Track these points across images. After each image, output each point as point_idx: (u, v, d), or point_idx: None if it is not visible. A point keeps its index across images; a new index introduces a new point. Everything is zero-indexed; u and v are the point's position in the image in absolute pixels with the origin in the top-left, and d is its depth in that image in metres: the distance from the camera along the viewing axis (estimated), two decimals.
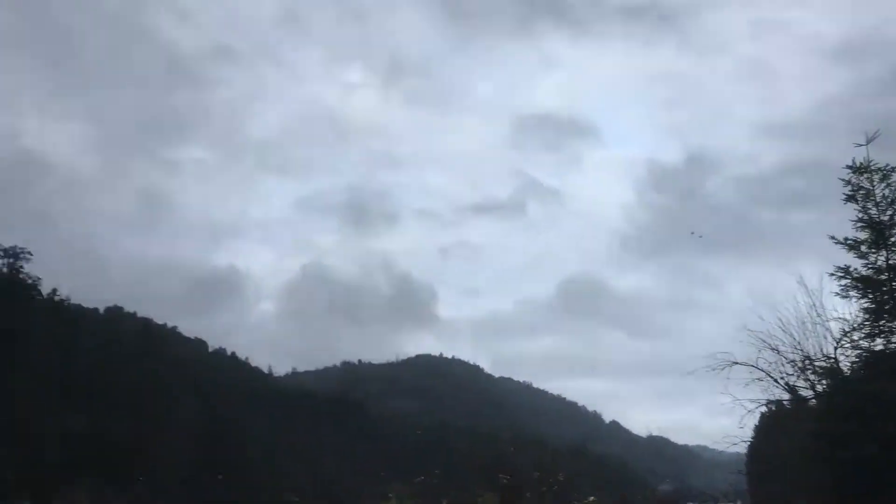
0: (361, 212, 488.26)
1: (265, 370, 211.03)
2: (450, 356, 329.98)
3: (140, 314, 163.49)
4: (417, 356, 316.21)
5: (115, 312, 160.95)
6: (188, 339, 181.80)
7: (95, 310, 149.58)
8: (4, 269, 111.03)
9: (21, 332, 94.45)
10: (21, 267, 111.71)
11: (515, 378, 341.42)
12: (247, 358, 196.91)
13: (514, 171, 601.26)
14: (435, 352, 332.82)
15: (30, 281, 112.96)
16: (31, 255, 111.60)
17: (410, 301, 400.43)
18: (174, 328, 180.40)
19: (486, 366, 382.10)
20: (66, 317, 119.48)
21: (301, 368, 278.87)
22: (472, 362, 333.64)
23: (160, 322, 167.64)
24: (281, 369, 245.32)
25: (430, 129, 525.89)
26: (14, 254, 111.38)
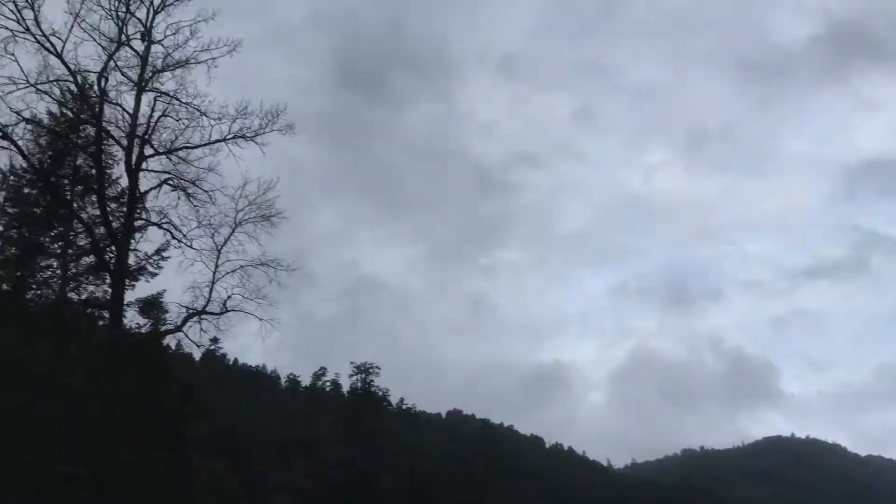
0: (681, 290, 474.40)
1: (604, 463, 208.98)
2: (803, 436, 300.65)
3: (478, 415, 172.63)
4: (765, 438, 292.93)
5: (455, 415, 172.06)
6: (525, 436, 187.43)
7: (438, 414, 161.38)
8: (359, 384, 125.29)
9: (377, 437, 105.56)
10: (372, 381, 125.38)
11: (887, 456, 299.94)
12: (584, 452, 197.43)
13: (848, 226, 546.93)
14: (785, 432, 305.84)
15: (380, 393, 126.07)
16: (380, 368, 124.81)
17: (747, 379, 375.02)
18: (511, 427, 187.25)
19: (849, 444, 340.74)
20: (413, 422, 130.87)
21: (640, 459, 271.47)
22: (830, 441, 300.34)
23: (497, 422, 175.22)
24: (619, 461, 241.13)
25: (742, 196, 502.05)
26: (365, 369, 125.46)
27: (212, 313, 33.00)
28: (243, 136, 32.87)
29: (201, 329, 33.29)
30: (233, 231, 32.98)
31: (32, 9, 29.91)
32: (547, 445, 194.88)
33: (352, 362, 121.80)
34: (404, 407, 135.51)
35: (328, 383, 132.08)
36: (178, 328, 33.66)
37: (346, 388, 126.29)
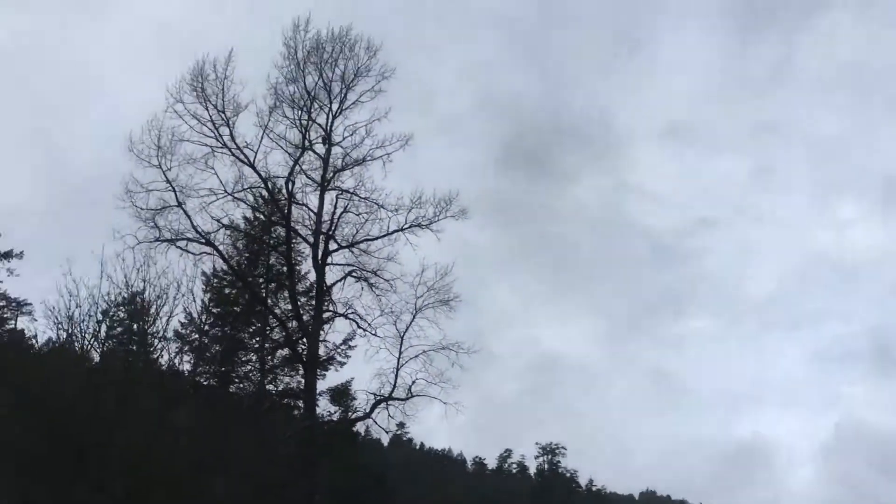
0: (889, 352, 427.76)
1: None
2: None
3: (674, 496, 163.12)
4: None
5: (649, 496, 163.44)
6: None
7: (630, 496, 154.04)
8: (546, 466, 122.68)
9: None
10: (559, 462, 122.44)
11: None
12: None
13: None
14: None
15: (568, 474, 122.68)
16: (566, 449, 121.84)
17: None
18: None
19: None
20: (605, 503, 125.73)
21: None
22: None
23: (694, 502, 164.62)
24: None
25: None
26: (551, 450, 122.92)
27: (398, 399, 33.57)
28: (419, 225, 33.99)
29: (389, 415, 33.91)
30: (414, 317, 33.72)
31: (228, 125, 33.00)
32: None
33: (537, 443, 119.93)
34: (594, 488, 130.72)
35: (514, 465, 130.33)
36: (367, 415, 34.48)
37: (532, 469, 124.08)
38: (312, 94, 34.47)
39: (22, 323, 46.69)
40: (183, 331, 39.52)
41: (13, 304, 47.24)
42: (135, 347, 31.12)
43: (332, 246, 34.56)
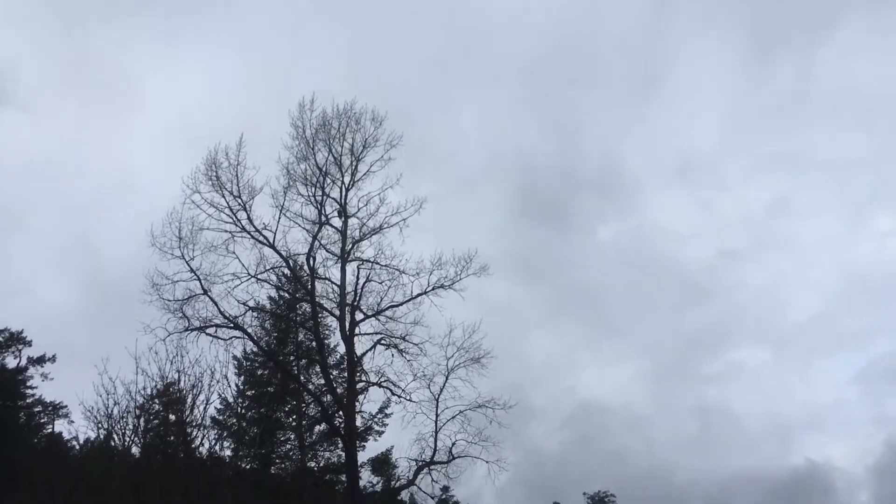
0: None
1: None
2: None
3: None
4: None
5: None
6: None
7: None
8: None
9: None
10: None
11: None
12: None
13: None
14: None
15: None
16: (615, 496, 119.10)
17: None
18: None
19: None
20: None
21: None
22: None
23: None
24: None
25: None
26: (600, 499, 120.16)
27: (440, 462, 33.35)
28: (442, 286, 34.24)
29: (432, 479, 33.62)
30: (447, 378, 33.73)
31: (245, 210, 33.70)
32: None
33: (585, 493, 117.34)
34: None
35: None
36: (411, 482, 34.21)
37: None
38: (324, 169, 35.28)
39: (59, 426, 47.13)
40: (220, 417, 39.68)
41: (49, 408, 47.75)
42: (173, 438, 31.21)
43: (359, 316, 34.85)
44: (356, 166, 35.52)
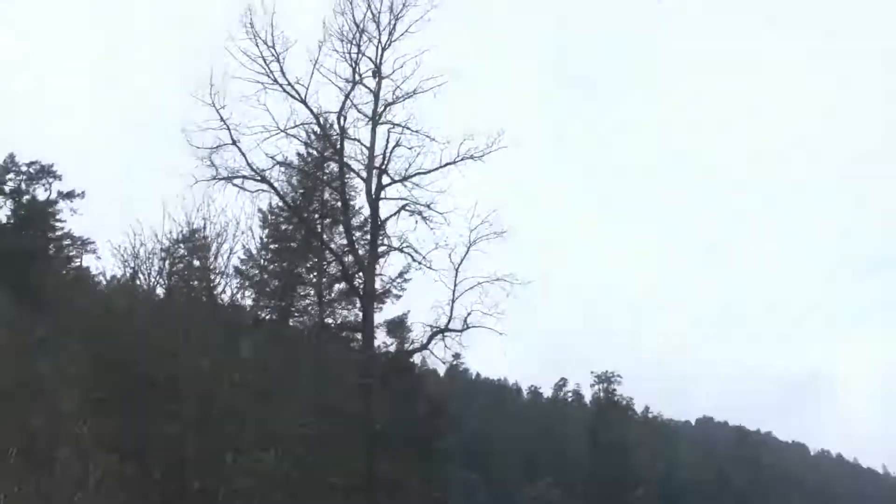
0: None
1: (879, 471, 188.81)
2: None
3: (731, 422, 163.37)
4: None
5: (706, 423, 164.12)
6: (786, 443, 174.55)
7: (687, 422, 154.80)
8: (601, 394, 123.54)
9: (624, 448, 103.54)
10: (614, 390, 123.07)
11: None
12: (855, 459, 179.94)
13: None
14: None
15: (624, 402, 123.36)
16: (621, 377, 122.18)
17: None
18: (769, 433, 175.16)
19: None
20: (661, 431, 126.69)
21: None
22: None
23: (753, 428, 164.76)
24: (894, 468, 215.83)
25: None
26: (607, 378, 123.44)
27: (454, 330, 34.04)
28: (471, 157, 33.82)
29: (445, 346, 34.48)
30: (468, 249, 33.90)
31: (278, 61, 32.99)
32: (812, 453, 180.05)
33: (592, 372, 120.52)
34: (650, 416, 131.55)
35: (570, 394, 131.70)
36: (424, 346, 35.13)
37: (588, 398, 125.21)
38: (361, 26, 34.23)
39: (87, 261, 48.40)
40: (243, 267, 40.43)
41: (78, 243, 48.88)
42: (197, 283, 31.96)
43: (386, 180, 34.74)
44: (394, 25, 34.41)
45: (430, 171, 34.14)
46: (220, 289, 31.57)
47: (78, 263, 48.75)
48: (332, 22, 33.96)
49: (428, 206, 34.13)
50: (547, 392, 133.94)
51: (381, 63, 34.59)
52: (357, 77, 34.41)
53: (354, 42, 34.20)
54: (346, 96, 34.34)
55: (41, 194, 47.35)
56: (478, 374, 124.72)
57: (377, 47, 34.54)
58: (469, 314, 33.66)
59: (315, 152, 38.74)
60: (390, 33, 34.43)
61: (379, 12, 34.21)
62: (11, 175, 46.54)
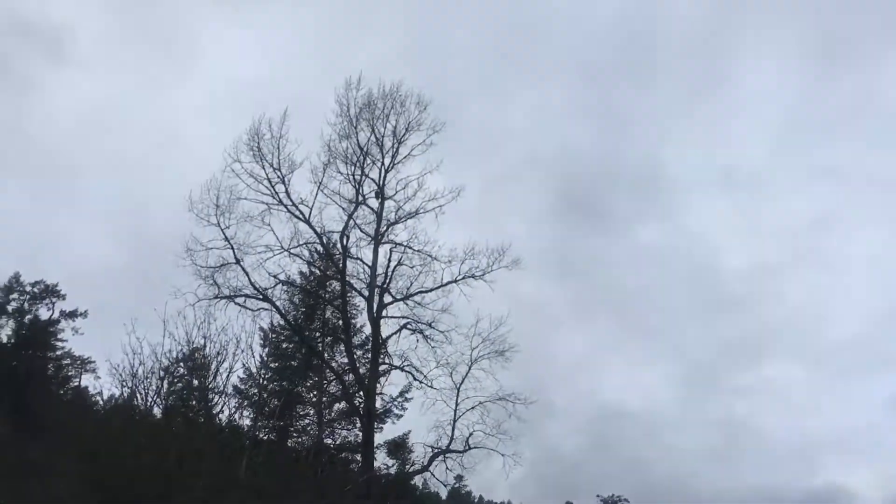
0: None
1: None
2: None
3: None
4: None
5: None
6: None
7: None
8: None
9: None
10: None
11: None
12: None
13: None
14: None
15: None
16: (628, 501, 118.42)
17: None
18: None
19: None
20: None
21: None
22: None
23: None
24: None
25: None
26: (613, 502, 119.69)
27: (455, 451, 33.37)
28: (472, 276, 34.13)
29: (447, 467, 33.69)
30: (469, 368, 33.71)
31: (283, 183, 33.87)
32: None
33: (598, 495, 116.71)
34: None
35: None
36: (425, 468, 34.31)
37: None
38: (365, 149, 35.33)
39: (86, 380, 48.02)
40: (242, 386, 40.05)
41: (77, 362, 48.68)
42: (195, 403, 31.57)
43: (387, 299, 34.89)
44: (397, 149, 35.55)
45: (431, 290, 34.39)
46: (218, 408, 31.18)
47: (76, 383, 48.36)
48: (337, 145, 35.17)
49: (429, 325, 34.18)
50: None
51: (384, 184, 35.52)
52: (360, 198, 35.26)
53: (358, 164, 35.25)
54: (350, 216, 35.06)
55: (44, 314, 47.57)
56: (480, 497, 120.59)
57: (380, 169, 35.59)
58: (471, 434, 33.19)
59: (317, 271, 39.14)
60: (393, 156, 35.58)
61: (382, 136, 35.48)
62: (15, 295, 46.89)
